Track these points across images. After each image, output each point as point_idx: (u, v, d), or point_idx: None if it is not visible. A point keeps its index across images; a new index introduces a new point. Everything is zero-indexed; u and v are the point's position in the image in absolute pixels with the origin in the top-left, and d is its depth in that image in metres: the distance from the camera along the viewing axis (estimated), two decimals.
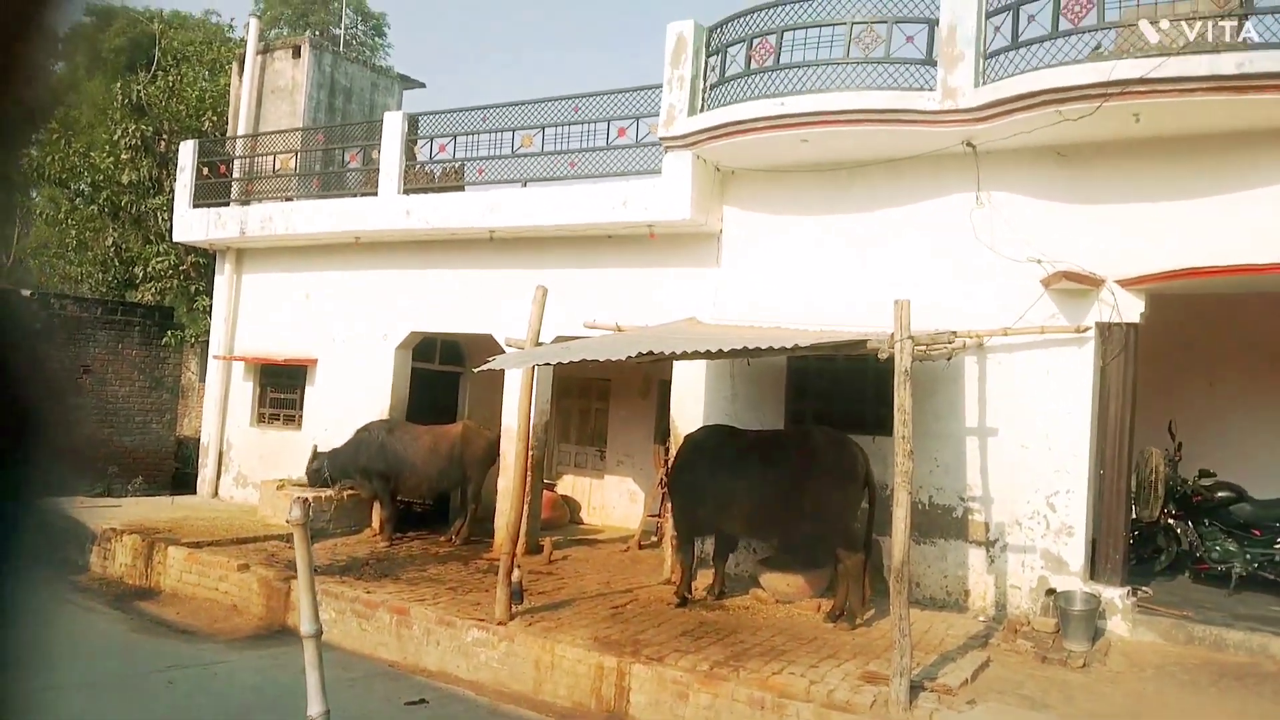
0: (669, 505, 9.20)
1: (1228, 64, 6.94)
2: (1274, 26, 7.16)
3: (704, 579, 8.84)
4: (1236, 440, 9.53)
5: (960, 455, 8.42)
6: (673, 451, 9.26)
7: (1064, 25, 7.72)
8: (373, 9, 32.37)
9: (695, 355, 7.41)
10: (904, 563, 6.06)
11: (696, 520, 8.50)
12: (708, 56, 9.47)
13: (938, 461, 8.46)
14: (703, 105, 9.42)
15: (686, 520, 8.54)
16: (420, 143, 12.05)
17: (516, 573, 7.84)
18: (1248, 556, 8.64)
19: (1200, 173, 7.70)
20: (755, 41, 9.01)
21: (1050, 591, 7.76)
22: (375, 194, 12.05)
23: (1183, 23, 7.15)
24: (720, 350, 6.82)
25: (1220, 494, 8.91)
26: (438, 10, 57.62)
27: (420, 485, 11.24)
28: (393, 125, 12.01)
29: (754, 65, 8.98)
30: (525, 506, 8.30)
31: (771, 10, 8.91)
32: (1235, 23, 7.44)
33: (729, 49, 9.27)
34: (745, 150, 9.16)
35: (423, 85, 17.40)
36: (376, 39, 32.44)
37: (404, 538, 11.22)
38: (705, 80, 9.47)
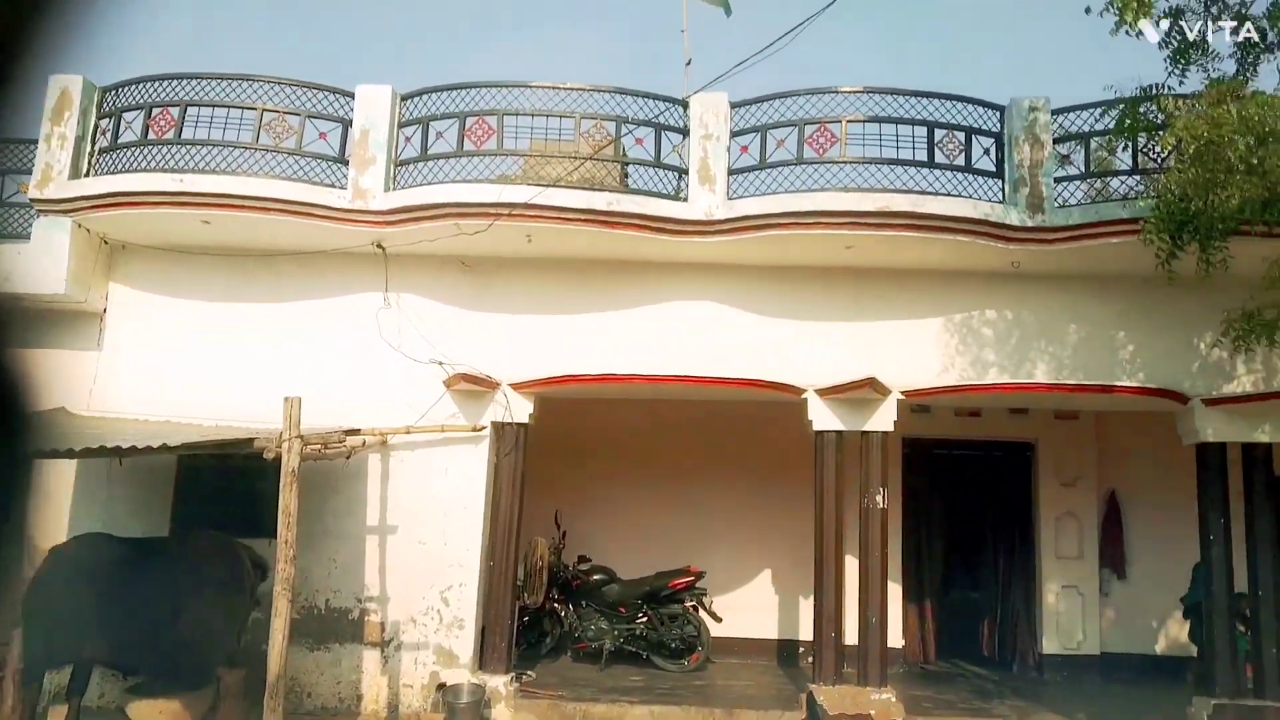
0: None
1: (600, 201, 8.23)
2: (644, 177, 8.71)
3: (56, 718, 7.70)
4: (610, 527, 11.04)
5: (360, 555, 8.54)
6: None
7: (469, 146, 8.55)
8: None
9: (51, 454, 6.59)
10: (279, 677, 5.91)
11: (53, 649, 7.41)
12: (99, 118, 8.71)
13: (336, 562, 8.49)
14: (89, 169, 8.61)
15: (40, 649, 7.40)
16: None
17: None
18: (616, 633, 9.97)
19: (581, 292, 8.95)
20: (156, 111, 8.52)
21: (440, 686, 8.14)
22: None
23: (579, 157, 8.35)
24: (72, 450, 6.14)
25: (595, 577, 10.21)
26: None
27: None
28: None
29: (152, 135, 8.48)
30: None
31: (177, 82, 8.53)
32: (621, 169, 8.93)
33: (125, 114, 8.64)
34: (138, 224, 8.53)
35: None
36: None
37: None
38: (94, 143, 8.69)
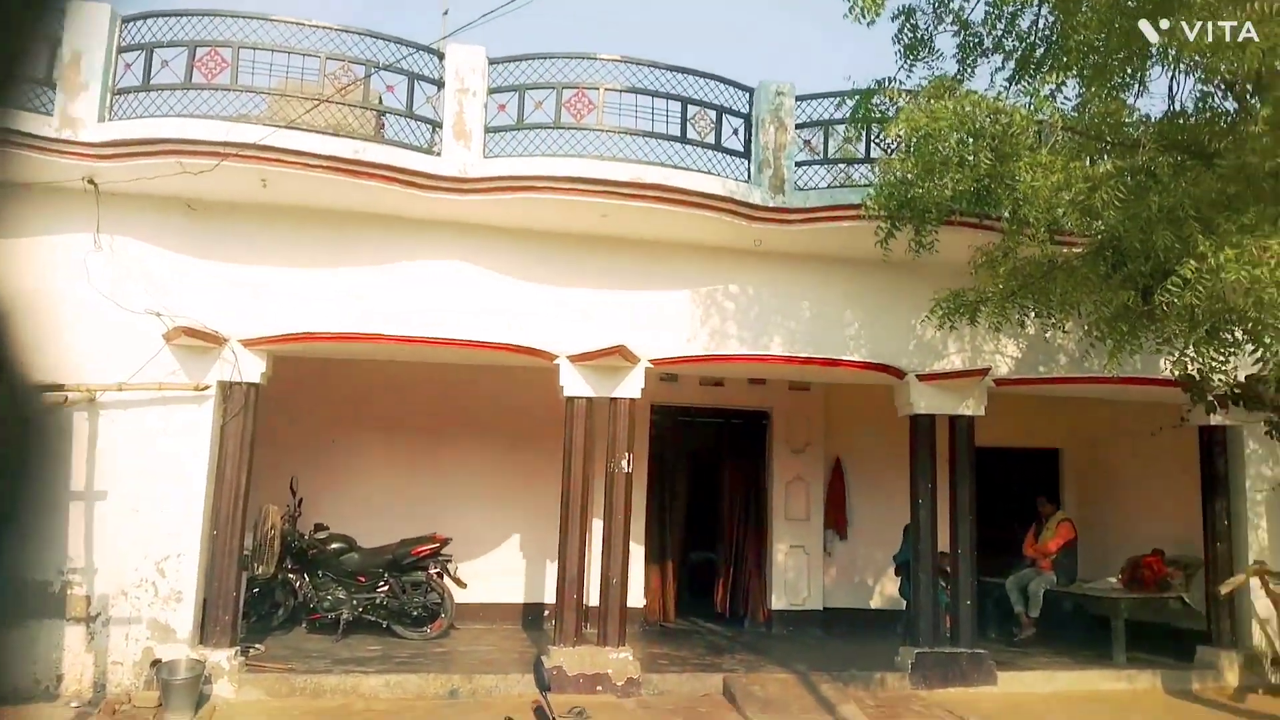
0: None
1: (345, 148, 7.85)
2: (397, 128, 8.37)
3: None
4: (353, 493, 10.69)
5: (63, 523, 7.78)
6: None
7: (198, 78, 7.89)
8: None
9: None
10: None
11: None
12: None
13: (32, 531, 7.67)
14: None
15: None
16: None
17: None
18: (354, 602, 9.69)
19: (322, 243, 8.51)
20: None
21: (155, 663, 7.59)
22: None
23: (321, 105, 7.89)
24: None
25: (333, 545, 9.86)
26: None
27: None
28: None
29: None
30: None
31: None
32: (377, 119, 8.53)
33: None
34: None
35: None
36: None
37: None
38: None
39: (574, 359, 8.69)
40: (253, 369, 8.27)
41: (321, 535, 9.88)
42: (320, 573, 9.74)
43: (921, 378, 9.44)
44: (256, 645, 8.60)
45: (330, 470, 10.73)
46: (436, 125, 8.26)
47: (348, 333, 8.26)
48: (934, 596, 9.32)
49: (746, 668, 9.11)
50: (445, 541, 9.99)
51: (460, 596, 10.20)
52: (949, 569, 9.55)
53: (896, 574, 10.86)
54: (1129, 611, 10.15)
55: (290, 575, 9.66)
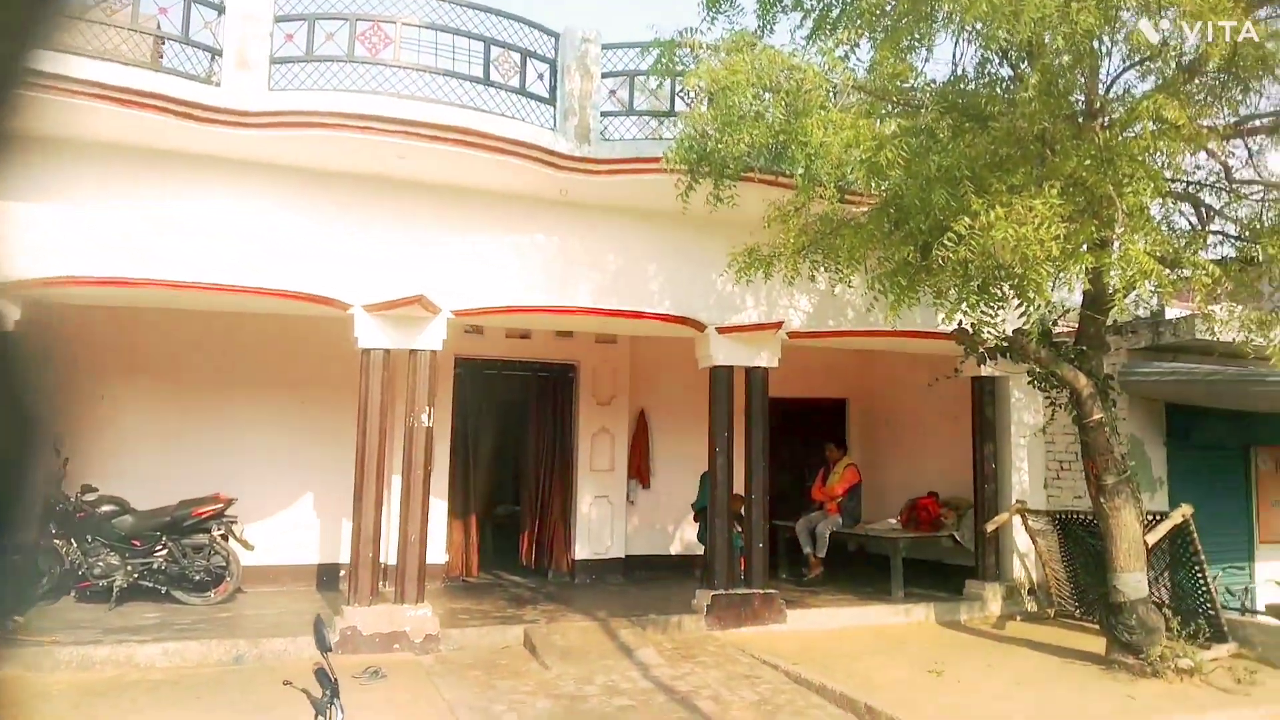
0: None
1: (111, 74, 7.11)
2: (182, 56, 7.64)
3: None
4: (126, 452, 9.89)
5: None
6: None
7: None
8: None
9: None
10: None
11: None
12: None
13: None
14: None
15: None
16: None
17: None
18: (129, 568, 9.02)
19: (87, 179, 7.70)
20: None
21: None
22: None
23: None
24: None
25: (103, 508, 9.11)
26: None
27: None
28: None
29: None
30: None
31: None
32: (156, 45, 7.74)
33: None
34: None
35: None
36: None
37: None
38: None
39: (370, 309, 8.34)
40: (4, 316, 7.42)
41: (90, 498, 9.10)
42: (89, 538, 8.98)
43: (720, 330, 9.65)
44: (15, 618, 7.83)
45: (99, 428, 9.87)
46: (216, 53, 7.63)
47: (115, 277, 7.58)
48: (729, 541, 9.63)
49: (548, 618, 9.13)
50: (230, 502, 9.44)
51: (249, 559, 9.68)
52: (743, 514, 9.89)
53: (695, 520, 11.17)
54: (906, 550, 10.87)
55: (56, 541, 8.86)
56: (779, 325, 9.62)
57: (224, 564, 9.39)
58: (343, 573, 10.13)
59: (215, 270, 7.93)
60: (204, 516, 9.26)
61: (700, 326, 9.65)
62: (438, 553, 10.72)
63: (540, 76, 8.58)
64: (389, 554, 8.91)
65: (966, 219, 5.80)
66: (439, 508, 10.65)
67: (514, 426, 12.43)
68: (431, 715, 6.56)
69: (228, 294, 8.02)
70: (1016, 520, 10.37)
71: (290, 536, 10.45)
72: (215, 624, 8.44)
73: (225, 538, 9.43)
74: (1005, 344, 8.48)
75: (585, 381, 11.99)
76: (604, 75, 8.73)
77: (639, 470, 12.34)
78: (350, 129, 7.68)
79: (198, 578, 9.26)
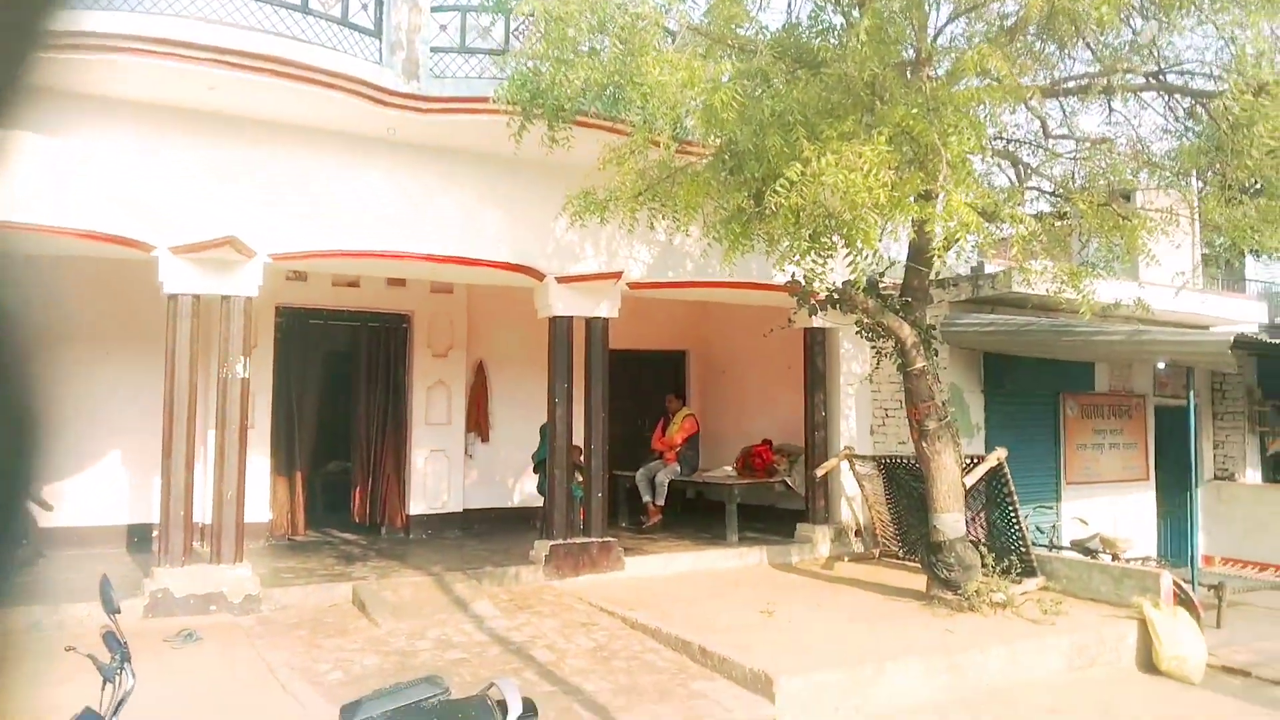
0: None
1: None
2: None
3: None
4: None
5: None
6: None
7: None
8: None
9: None
10: None
11: None
12: None
13: None
14: None
15: None
16: None
17: None
18: None
19: None
20: None
21: None
22: None
23: None
24: None
25: None
26: None
27: None
28: None
29: None
30: None
31: None
32: None
33: None
34: None
35: None
36: None
37: None
38: None
39: (177, 251, 7.72)
40: None
41: None
42: None
43: (560, 280, 9.47)
44: None
45: None
46: None
47: None
48: (568, 491, 9.56)
49: (379, 574, 8.84)
50: None
51: (48, 520, 8.93)
52: (583, 464, 9.83)
53: (535, 472, 11.03)
54: (741, 496, 11.09)
55: None
56: (618, 275, 9.53)
57: None
58: (155, 533, 9.49)
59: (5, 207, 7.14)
60: None
61: (539, 276, 9.44)
62: (260, 511, 10.21)
63: (364, 7, 8.08)
64: (205, 513, 8.38)
65: (799, 165, 5.81)
66: (260, 464, 10.14)
67: (343, 379, 11.93)
68: (250, 677, 6.22)
69: (13, 232, 7.24)
70: (845, 465, 10.72)
71: (97, 496, 9.72)
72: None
73: None
74: (835, 295, 8.67)
75: (420, 332, 11.60)
76: (434, 9, 8.30)
77: (478, 424, 12.10)
78: (154, 54, 7.02)
79: None
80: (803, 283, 8.62)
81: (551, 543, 9.31)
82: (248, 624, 7.42)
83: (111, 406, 9.75)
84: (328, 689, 6.02)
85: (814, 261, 6.99)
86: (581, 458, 9.89)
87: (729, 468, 11.86)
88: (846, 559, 10.55)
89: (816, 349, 11.10)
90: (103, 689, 3.42)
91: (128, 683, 3.39)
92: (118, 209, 7.59)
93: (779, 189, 5.88)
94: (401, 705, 3.78)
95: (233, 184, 8.06)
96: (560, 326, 9.59)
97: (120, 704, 3.34)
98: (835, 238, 6.86)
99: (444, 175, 8.96)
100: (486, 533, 11.39)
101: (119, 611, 3.60)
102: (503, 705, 3.81)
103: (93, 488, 9.70)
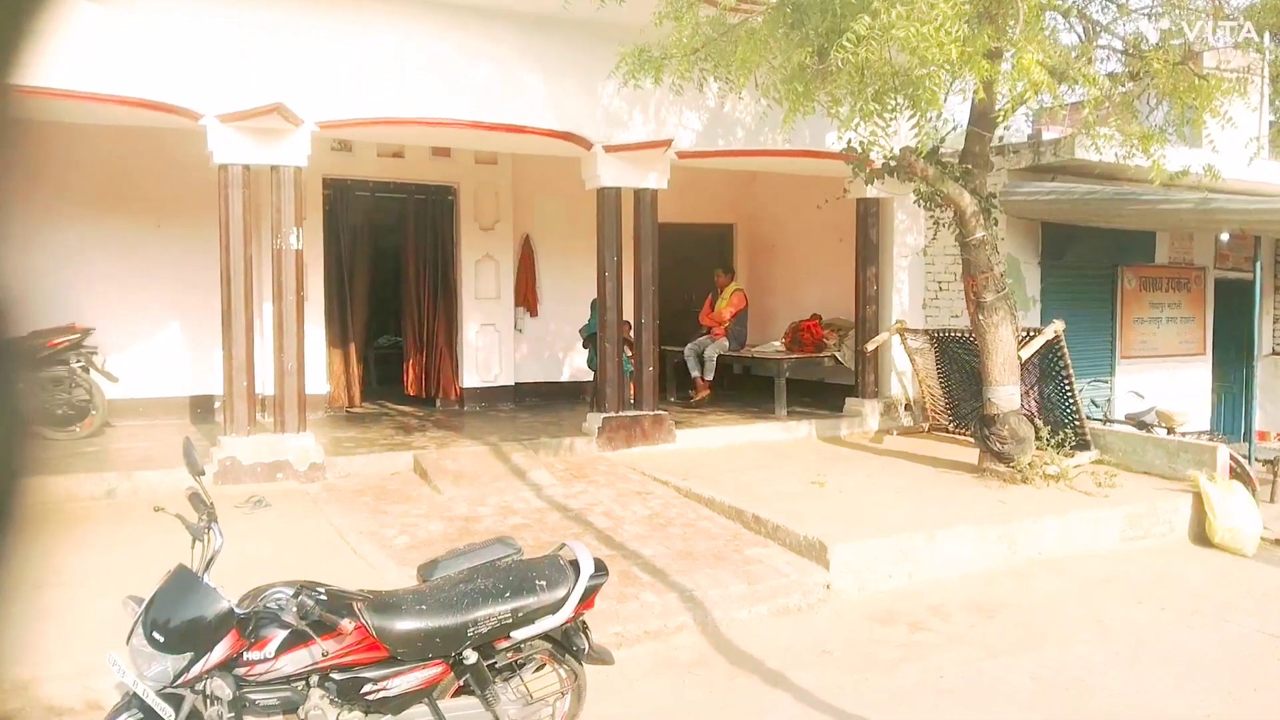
0: None
1: None
2: None
3: None
4: None
5: None
6: None
7: None
8: None
9: None
10: None
11: None
12: None
13: None
14: None
15: None
16: None
17: None
18: None
19: None
20: None
21: None
22: None
23: None
24: None
25: None
26: None
27: None
28: None
29: None
30: None
31: None
32: None
33: None
34: None
35: None
36: None
37: None
38: None
39: (224, 119, 7.60)
40: None
41: None
42: None
43: (608, 149, 9.24)
44: None
45: None
46: None
47: None
48: (619, 365, 9.56)
49: (437, 444, 8.99)
50: (86, 331, 8.80)
51: (115, 392, 9.14)
52: (633, 339, 9.81)
53: (585, 346, 11.03)
54: (790, 371, 11.05)
55: None
56: (668, 143, 9.26)
57: (87, 397, 8.84)
58: (218, 404, 9.69)
59: (53, 73, 7.02)
60: (59, 348, 8.62)
61: (587, 144, 9.21)
62: (318, 383, 10.34)
63: None
64: (265, 386, 8.50)
65: (866, 18, 5.52)
66: (316, 337, 10.21)
67: (391, 253, 11.91)
68: (320, 541, 6.41)
69: (56, 100, 7.15)
70: (895, 339, 10.60)
71: (159, 368, 9.90)
72: (83, 458, 7.98)
73: (86, 370, 8.84)
74: (893, 162, 8.40)
75: (466, 205, 11.47)
76: None
77: (526, 298, 12.08)
78: None
79: (59, 412, 8.69)
80: (859, 149, 8.37)
81: (604, 415, 9.37)
82: (314, 491, 7.61)
83: (168, 280, 9.82)
84: (396, 552, 6.19)
85: (877, 125, 6.72)
86: (630, 333, 9.86)
87: (777, 343, 11.78)
88: (895, 433, 10.55)
89: (870, 220, 10.83)
90: (191, 547, 3.50)
91: (215, 541, 3.47)
92: (165, 76, 7.44)
93: (845, 44, 5.60)
94: (477, 564, 3.85)
95: (278, 51, 7.85)
96: (608, 198, 9.41)
97: (210, 561, 3.42)
98: (900, 98, 6.57)
99: (488, 37, 8.63)
100: (538, 406, 11.51)
101: (203, 473, 3.66)
102: (574, 565, 3.86)
103: (154, 360, 9.87)
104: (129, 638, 3.31)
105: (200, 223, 9.16)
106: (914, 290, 11.35)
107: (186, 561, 3.47)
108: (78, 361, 8.79)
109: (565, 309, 11.87)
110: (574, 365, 12.20)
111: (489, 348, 11.67)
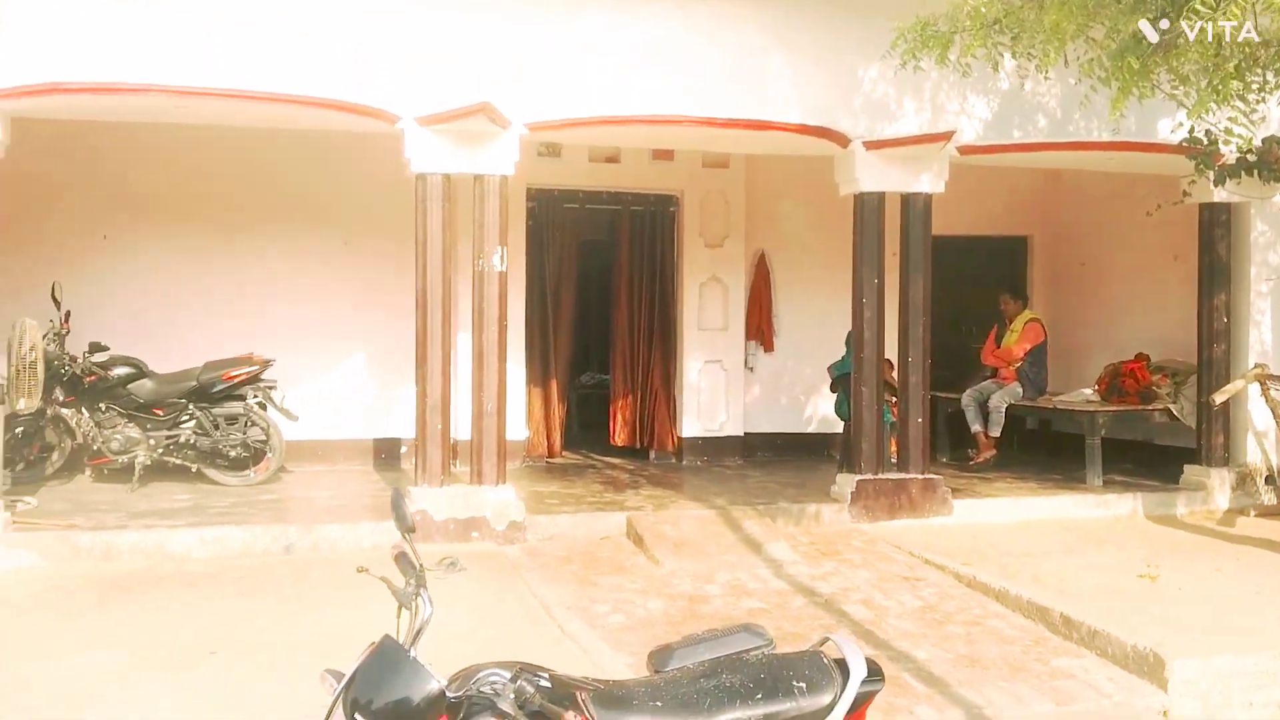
0: None
1: None
2: None
3: None
4: (136, 303, 10.12)
5: None
6: None
7: None
8: None
9: None
10: None
11: None
12: None
13: None
14: None
15: None
16: None
17: None
18: (152, 441, 9.31)
19: None
20: None
21: None
22: None
23: None
24: None
25: (116, 370, 9.36)
26: None
27: None
28: None
29: None
30: None
31: None
32: None
33: None
34: None
35: None
36: None
37: None
38: None
39: (424, 121, 8.13)
40: None
41: (100, 358, 9.35)
42: (103, 406, 9.28)
43: (869, 145, 9.20)
44: (26, 499, 8.24)
45: (101, 275, 10.09)
46: None
47: (110, 83, 7.51)
48: (878, 415, 9.44)
49: (654, 504, 9.19)
50: (266, 364, 9.61)
51: (292, 433, 9.91)
52: (896, 382, 9.67)
53: (833, 390, 10.97)
54: (1107, 427, 10.54)
55: (63, 410, 9.18)
56: (949, 136, 9.09)
57: (263, 437, 9.63)
58: (404, 449, 10.33)
59: (231, 72, 7.78)
60: (236, 381, 9.47)
61: (843, 141, 9.21)
62: (517, 428, 10.81)
63: None
64: (458, 428, 8.96)
65: None
66: (516, 374, 10.68)
67: (598, 275, 12.30)
68: (522, 615, 6.66)
69: (249, 103, 7.91)
70: (1254, 389, 9.90)
71: (339, 406, 10.69)
72: (258, 507, 8.70)
73: (263, 406, 9.64)
74: (1253, 156, 7.93)
75: (690, 217, 11.74)
76: None
77: (760, 330, 12.18)
78: None
79: (233, 453, 9.52)
80: (1207, 141, 7.94)
81: (858, 477, 9.27)
82: (513, 554, 7.93)
83: (352, 306, 10.61)
84: (610, 633, 6.34)
85: (1237, 108, 6.38)
86: (894, 374, 9.73)
87: (1088, 390, 11.28)
88: (1253, 513, 9.84)
89: (1218, 232, 10.21)
90: (398, 615, 3.71)
91: (424, 610, 3.65)
92: (357, 74, 8.06)
93: (1198, 7, 5.36)
94: (720, 656, 3.88)
95: (479, 42, 8.30)
96: (868, 205, 9.36)
97: (418, 634, 3.61)
98: (1271, 74, 6.21)
99: (721, 17, 8.80)
100: (773, 462, 11.54)
101: (414, 530, 3.87)
102: (841, 665, 3.82)
103: (334, 396, 10.66)
104: (327, 718, 3.54)
105: (389, 240, 9.84)
106: (1279, 324, 10.58)
107: (391, 631, 3.69)
108: (255, 397, 9.60)
109: (807, 343, 11.88)
110: (819, 413, 12.15)
111: (713, 390, 11.82)
